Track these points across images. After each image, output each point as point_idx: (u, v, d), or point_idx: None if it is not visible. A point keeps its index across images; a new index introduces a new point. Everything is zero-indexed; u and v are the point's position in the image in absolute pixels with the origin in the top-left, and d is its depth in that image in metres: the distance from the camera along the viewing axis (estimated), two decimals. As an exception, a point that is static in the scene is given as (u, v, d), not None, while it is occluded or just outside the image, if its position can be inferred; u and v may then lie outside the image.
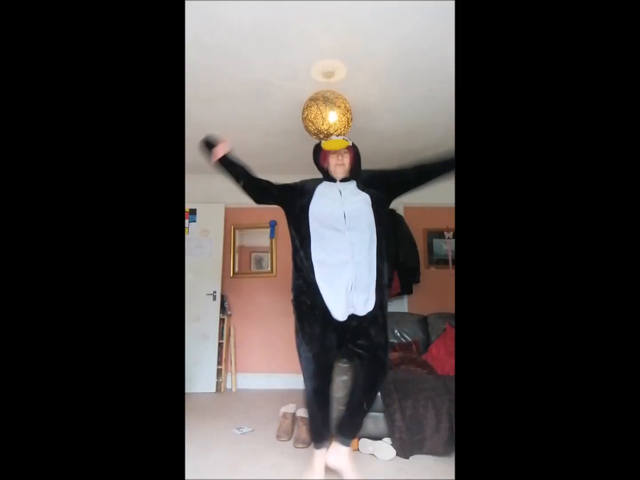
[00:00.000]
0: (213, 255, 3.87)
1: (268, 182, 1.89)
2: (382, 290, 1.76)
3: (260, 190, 1.92)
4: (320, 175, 1.91)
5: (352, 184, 1.85)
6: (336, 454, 1.73)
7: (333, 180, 1.85)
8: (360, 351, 1.73)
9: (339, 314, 1.67)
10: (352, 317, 1.69)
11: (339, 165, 1.81)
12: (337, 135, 1.87)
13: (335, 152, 1.81)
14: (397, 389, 2.27)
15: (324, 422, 1.73)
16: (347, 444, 1.75)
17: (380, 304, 1.73)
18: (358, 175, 1.88)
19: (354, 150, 1.86)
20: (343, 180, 1.84)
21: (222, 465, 2.01)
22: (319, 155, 1.88)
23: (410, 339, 3.03)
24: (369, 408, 1.79)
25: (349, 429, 1.77)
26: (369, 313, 1.69)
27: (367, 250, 1.74)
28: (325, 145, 1.81)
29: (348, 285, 1.67)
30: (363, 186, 1.85)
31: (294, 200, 1.83)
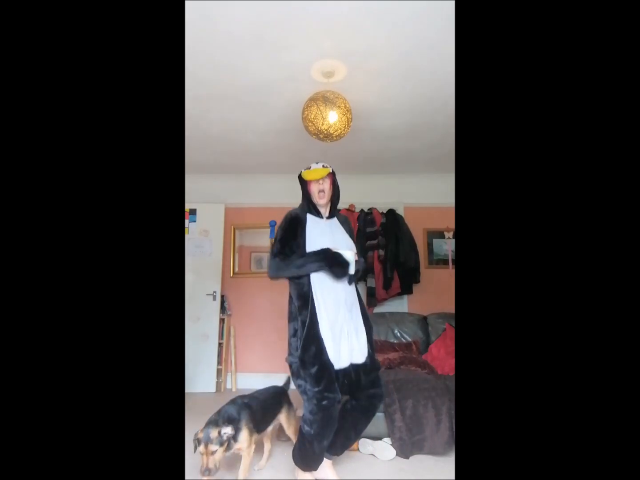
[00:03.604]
0: (213, 255, 3.88)
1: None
2: (371, 334, 1.85)
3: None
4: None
5: (335, 221, 1.92)
6: (323, 467, 1.80)
7: (317, 212, 1.87)
8: (358, 401, 1.78)
9: (342, 361, 1.69)
10: (351, 365, 1.73)
11: (320, 191, 1.84)
12: (317, 163, 1.88)
13: (314, 181, 1.84)
14: (397, 389, 2.27)
15: (321, 455, 1.76)
16: (330, 458, 1.83)
17: (372, 348, 1.82)
18: (337, 205, 1.94)
19: (332, 176, 1.89)
20: (328, 217, 1.89)
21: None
22: (303, 184, 1.89)
23: (410, 339, 3.03)
24: (358, 437, 1.87)
25: (336, 450, 1.83)
26: (366, 359, 1.76)
27: (355, 298, 1.83)
28: (306, 175, 1.83)
29: (349, 330, 1.73)
30: (343, 225, 1.93)
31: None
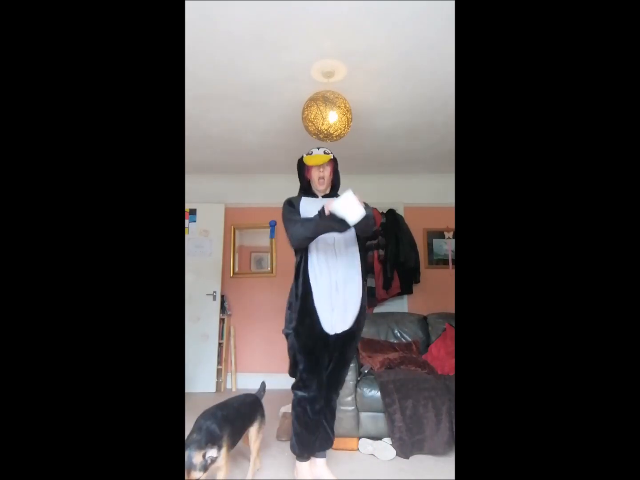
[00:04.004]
0: (213, 255, 3.88)
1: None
2: (364, 310, 1.85)
3: None
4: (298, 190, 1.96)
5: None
6: (318, 467, 1.83)
7: (314, 195, 1.89)
8: (327, 372, 1.80)
9: (330, 327, 1.73)
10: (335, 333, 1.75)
11: (321, 178, 1.85)
12: (319, 149, 1.86)
13: (315, 167, 1.84)
14: (397, 389, 2.27)
15: (314, 438, 1.79)
16: (323, 456, 1.85)
17: (359, 324, 1.82)
18: (338, 188, 1.95)
19: (333, 162, 1.89)
20: (325, 196, 1.89)
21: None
22: (302, 169, 1.92)
23: (410, 339, 3.03)
24: (331, 424, 1.87)
25: (321, 446, 1.84)
26: (349, 330, 1.77)
27: (352, 267, 1.81)
28: (308, 160, 1.83)
29: (338, 301, 1.74)
30: None
31: None
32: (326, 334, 1.72)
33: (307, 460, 1.82)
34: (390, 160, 3.65)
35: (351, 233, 1.82)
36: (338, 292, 1.74)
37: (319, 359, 1.73)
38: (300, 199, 1.88)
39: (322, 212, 1.62)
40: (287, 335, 1.81)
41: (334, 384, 1.84)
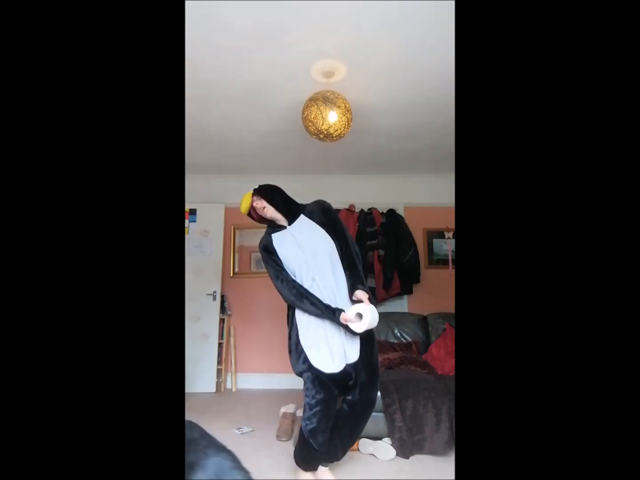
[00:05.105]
0: (213, 255, 3.88)
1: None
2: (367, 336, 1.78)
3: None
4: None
5: (300, 222, 1.83)
6: (320, 472, 1.82)
7: (281, 227, 1.85)
8: (350, 398, 1.76)
9: (332, 366, 1.69)
10: (345, 366, 1.72)
11: (260, 208, 1.83)
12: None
13: (251, 207, 1.85)
14: (397, 389, 2.27)
15: (319, 453, 1.78)
16: (326, 466, 1.84)
17: (367, 347, 1.75)
18: (294, 205, 1.87)
19: (260, 192, 1.86)
20: (290, 221, 1.83)
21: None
22: (251, 217, 1.92)
23: (410, 339, 3.03)
24: (346, 447, 1.84)
25: (330, 457, 1.83)
26: (359, 359, 1.72)
27: (338, 290, 1.75)
28: (242, 211, 1.89)
29: (331, 335, 1.72)
30: (314, 219, 1.83)
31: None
32: (320, 370, 1.68)
33: (309, 471, 1.82)
34: (390, 160, 3.65)
35: (323, 238, 1.78)
36: (332, 329, 1.72)
37: (317, 392, 1.68)
38: (271, 239, 1.83)
39: (337, 315, 1.64)
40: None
41: (365, 404, 1.77)
